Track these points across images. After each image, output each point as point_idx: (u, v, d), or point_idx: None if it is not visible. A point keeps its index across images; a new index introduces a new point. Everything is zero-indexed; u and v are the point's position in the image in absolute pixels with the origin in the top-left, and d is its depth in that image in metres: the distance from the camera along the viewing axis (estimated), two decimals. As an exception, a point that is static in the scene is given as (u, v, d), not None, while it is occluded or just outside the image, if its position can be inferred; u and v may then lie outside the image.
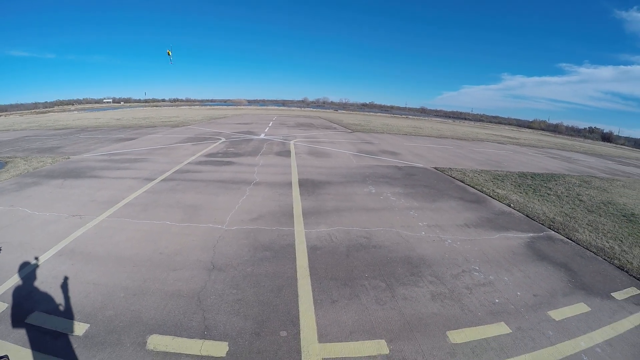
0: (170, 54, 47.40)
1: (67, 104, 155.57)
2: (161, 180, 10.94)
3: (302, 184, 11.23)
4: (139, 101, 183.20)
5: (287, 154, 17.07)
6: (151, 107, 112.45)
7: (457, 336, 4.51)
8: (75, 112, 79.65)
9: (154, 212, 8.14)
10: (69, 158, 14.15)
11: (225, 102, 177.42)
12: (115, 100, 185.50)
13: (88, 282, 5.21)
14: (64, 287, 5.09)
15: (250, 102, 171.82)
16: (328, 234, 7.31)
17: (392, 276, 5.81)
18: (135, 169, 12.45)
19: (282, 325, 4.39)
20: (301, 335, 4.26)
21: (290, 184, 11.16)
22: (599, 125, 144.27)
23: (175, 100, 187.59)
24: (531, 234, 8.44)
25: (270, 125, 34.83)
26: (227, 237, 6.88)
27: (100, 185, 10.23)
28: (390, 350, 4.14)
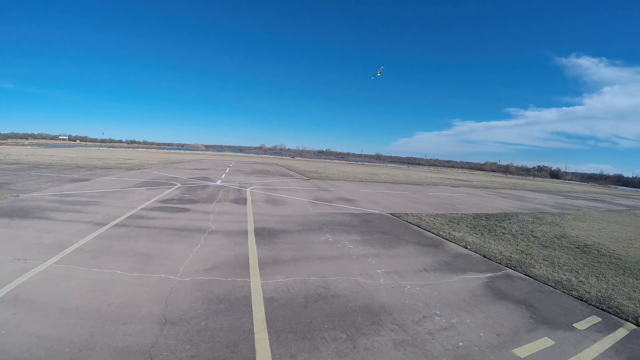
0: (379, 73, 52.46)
1: (22, 138, 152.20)
2: (113, 225, 10.53)
3: (258, 232, 11.02)
4: (95, 140, 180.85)
5: (243, 201, 16.87)
6: (107, 147, 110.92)
7: (424, 385, 4.40)
8: (29, 147, 77.68)
9: (104, 260, 7.74)
10: (18, 196, 13.60)
11: (182, 147, 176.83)
12: (71, 138, 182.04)
13: (31, 334, 4.80)
14: (4, 338, 4.66)
15: (208, 147, 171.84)
16: (285, 285, 7.12)
17: (353, 326, 5.65)
18: (87, 212, 11.97)
19: (240, 384, 4.16)
20: (261, 393, 4.04)
21: (246, 232, 10.93)
22: (547, 164, 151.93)
23: (132, 142, 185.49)
24: (489, 274, 8.54)
25: (227, 171, 34.71)
26: (181, 289, 6.57)
27: (49, 227, 9.76)
28: (355, 405, 3.98)
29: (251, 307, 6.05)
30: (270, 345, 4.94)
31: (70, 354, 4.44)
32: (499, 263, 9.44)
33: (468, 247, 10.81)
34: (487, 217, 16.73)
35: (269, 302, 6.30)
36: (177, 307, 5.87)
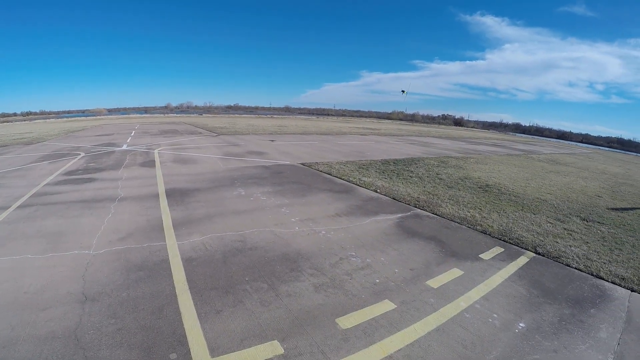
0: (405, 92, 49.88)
1: None
2: (17, 207, 9.86)
3: (170, 194, 10.83)
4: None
5: (151, 164, 16.36)
6: (0, 122, 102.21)
7: (347, 321, 4.65)
8: None
9: (12, 246, 7.24)
10: None
11: (83, 113, 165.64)
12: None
13: None
14: None
15: (111, 111, 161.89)
16: (202, 243, 7.12)
17: (273, 275, 5.82)
18: (-16, 197, 11.17)
19: (170, 348, 4.19)
20: (192, 353, 4.09)
21: (157, 195, 10.70)
22: (451, 112, 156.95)
23: (28, 114, 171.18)
24: (399, 215, 8.97)
25: (132, 134, 33.25)
26: (96, 263, 6.36)
27: (-60, 220, 9.01)
28: (285, 350, 4.15)
29: (170, 270, 6.02)
30: (194, 305, 4.99)
31: None
32: (408, 204, 9.93)
33: (378, 190, 11.23)
34: (395, 162, 17.34)
35: (187, 262, 6.31)
36: (95, 282, 5.71)
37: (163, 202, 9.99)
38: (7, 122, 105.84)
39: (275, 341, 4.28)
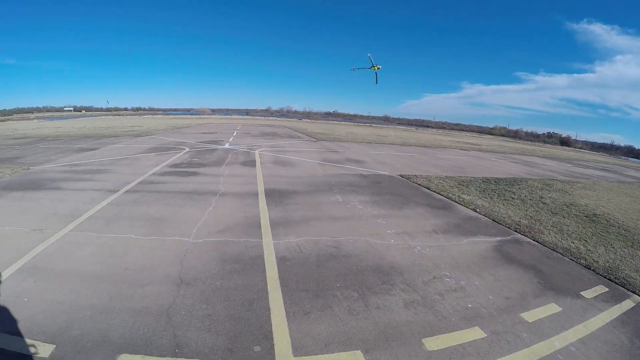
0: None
1: (27, 112, 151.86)
2: (125, 192, 10.62)
3: (269, 194, 11.10)
4: (100, 110, 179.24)
5: (252, 163, 16.92)
6: (113, 116, 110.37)
7: (433, 343, 4.48)
8: (35, 120, 77.67)
9: (118, 226, 7.84)
10: (28, 169, 13.64)
11: (188, 111, 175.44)
12: (76, 109, 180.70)
13: (52, 301, 4.94)
14: (27, 305, 4.83)
15: (214, 111, 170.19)
16: (297, 245, 7.20)
17: (364, 285, 5.75)
18: (98, 180, 12.04)
19: (255, 340, 4.27)
20: (275, 349, 4.14)
21: (256, 194, 11.02)
22: (557, 130, 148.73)
23: (138, 109, 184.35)
24: (498, 238, 8.55)
25: (234, 134, 34.57)
26: (195, 250, 6.69)
27: (61, 197, 9.85)
28: (367, 361, 4.09)
29: (264, 267, 6.16)
30: (284, 304, 5.06)
31: (92, 317, 4.58)
32: (508, 227, 9.43)
33: (477, 210, 10.82)
34: (497, 181, 16.64)
35: (281, 261, 6.42)
36: (192, 268, 6.00)
37: (262, 201, 10.25)
38: (119, 115, 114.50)
39: (359, 351, 4.22)
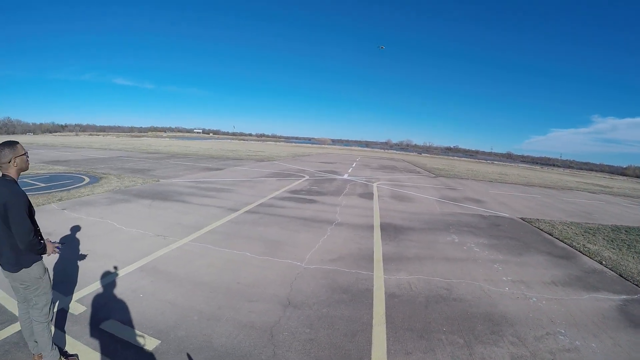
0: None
1: (160, 131, 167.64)
2: (245, 211, 11.29)
3: (384, 227, 11.15)
4: (227, 134, 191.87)
5: (369, 196, 17.10)
6: (238, 140, 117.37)
7: (536, 404, 4.28)
8: (167, 138, 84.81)
9: (235, 242, 8.42)
10: (158, 181, 14.99)
11: (309, 140, 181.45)
12: (204, 131, 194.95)
13: (165, 301, 5.48)
14: (141, 301, 5.41)
15: (334, 142, 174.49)
16: (408, 282, 7.17)
17: (471, 333, 5.59)
18: (221, 198, 13.01)
19: (353, 371, 4.34)
20: (372, 383, 4.18)
21: (371, 226, 11.12)
22: None
23: (261, 136, 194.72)
24: (624, 296, 7.85)
25: (353, 165, 35.15)
26: (306, 275, 6.95)
27: (186, 209, 10.76)
28: (466, 412, 4.00)
29: (372, 300, 6.21)
30: (387, 340, 5.06)
31: (199, 322, 4.99)
32: (637, 285, 8.60)
33: (603, 262, 10.02)
34: (628, 230, 15.22)
35: (390, 297, 6.42)
36: (301, 292, 6.23)
37: (377, 234, 10.32)
38: (244, 140, 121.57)
39: (458, 400, 4.14)
